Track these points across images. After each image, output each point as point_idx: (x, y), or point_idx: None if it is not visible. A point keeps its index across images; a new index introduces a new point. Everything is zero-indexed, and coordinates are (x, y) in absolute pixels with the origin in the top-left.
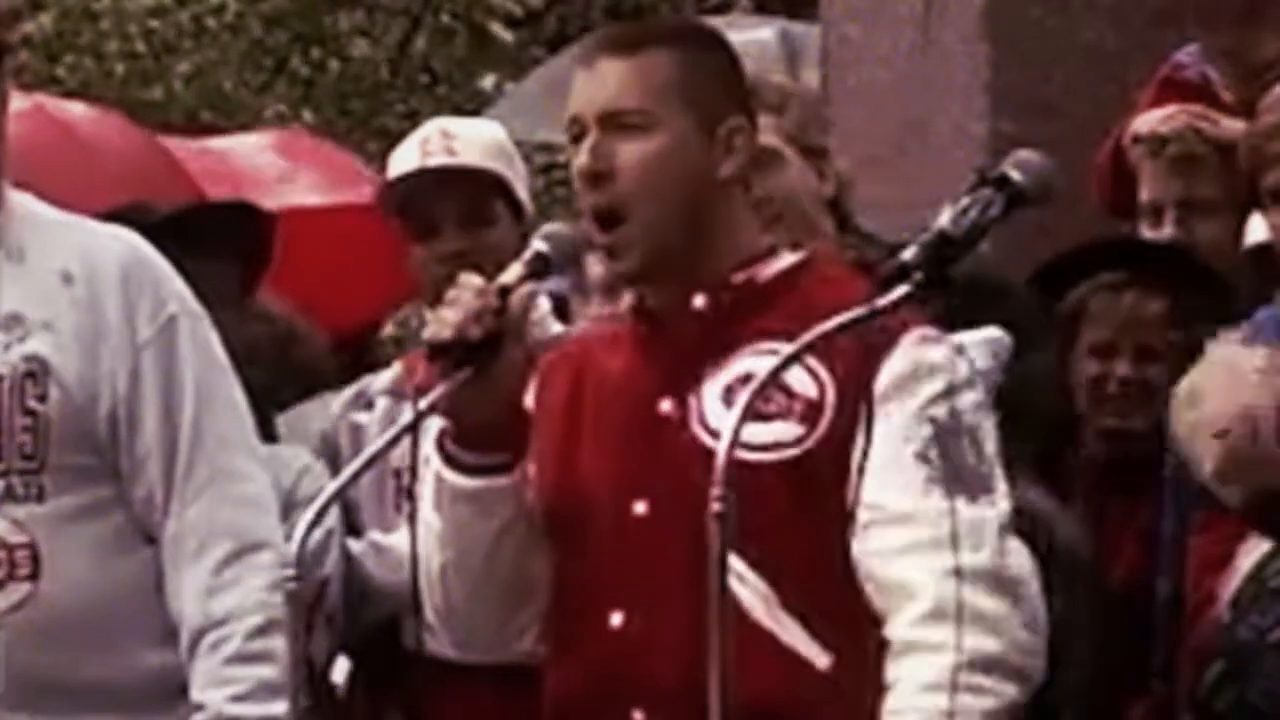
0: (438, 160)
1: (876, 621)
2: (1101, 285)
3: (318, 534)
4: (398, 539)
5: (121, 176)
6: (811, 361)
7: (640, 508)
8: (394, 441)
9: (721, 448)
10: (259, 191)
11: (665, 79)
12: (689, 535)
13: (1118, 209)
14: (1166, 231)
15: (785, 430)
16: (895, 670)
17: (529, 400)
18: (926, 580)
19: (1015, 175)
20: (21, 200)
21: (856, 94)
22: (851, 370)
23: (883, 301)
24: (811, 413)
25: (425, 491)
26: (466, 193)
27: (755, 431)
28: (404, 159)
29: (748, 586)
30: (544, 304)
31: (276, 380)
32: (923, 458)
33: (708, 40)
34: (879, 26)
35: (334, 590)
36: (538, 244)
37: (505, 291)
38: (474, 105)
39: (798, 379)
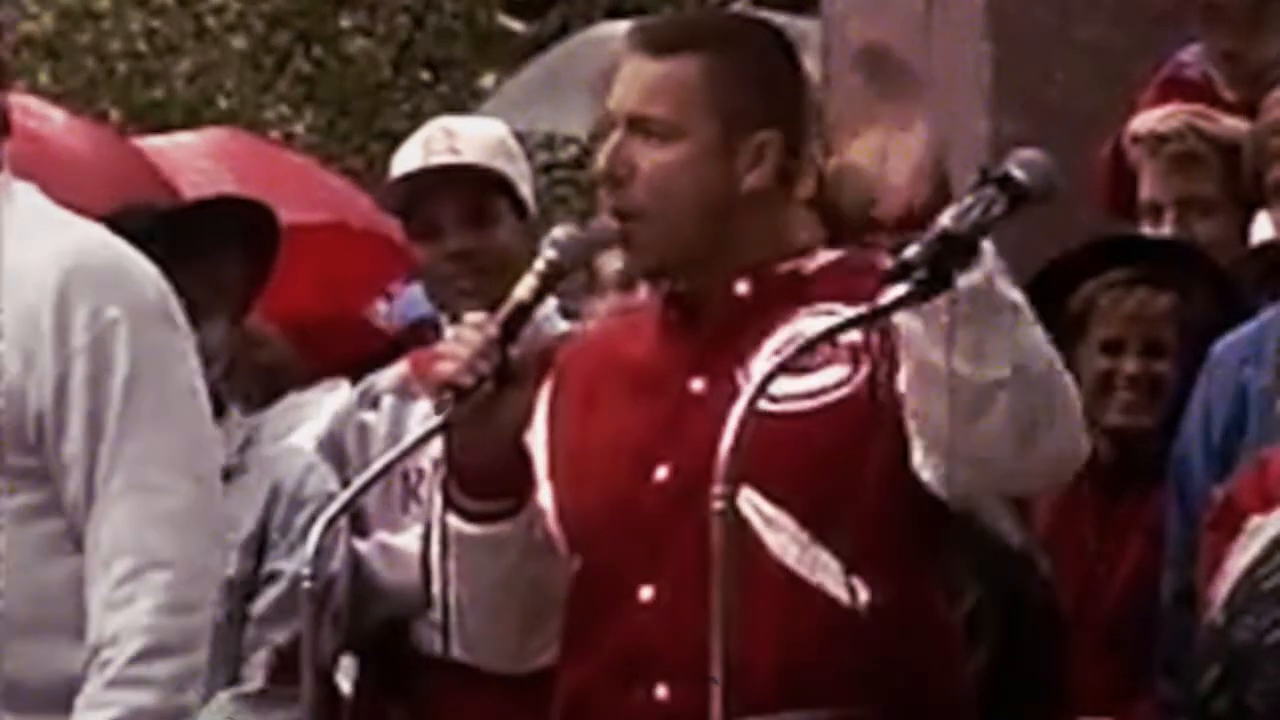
0: (440, 159)
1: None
2: (1109, 282)
3: (316, 533)
4: (406, 540)
5: (100, 183)
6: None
7: (661, 473)
8: (414, 448)
9: (724, 446)
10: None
11: (694, 88)
12: (710, 495)
13: (1118, 208)
14: (1165, 230)
15: (829, 375)
16: None
17: (545, 393)
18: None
19: (1018, 174)
20: None
21: (859, 92)
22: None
23: (884, 300)
24: (854, 353)
25: (434, 525)
26: (469, 192)
27: (799, 384)
28: (407, 159)
29: (775, 529)
30: (550, 301)
31: (237, 382)
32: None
33: (748, 42)
34: (880, 25)
35: (340, 589)
36: (549, 252)
37: (523, 308)
38: (476, 104)
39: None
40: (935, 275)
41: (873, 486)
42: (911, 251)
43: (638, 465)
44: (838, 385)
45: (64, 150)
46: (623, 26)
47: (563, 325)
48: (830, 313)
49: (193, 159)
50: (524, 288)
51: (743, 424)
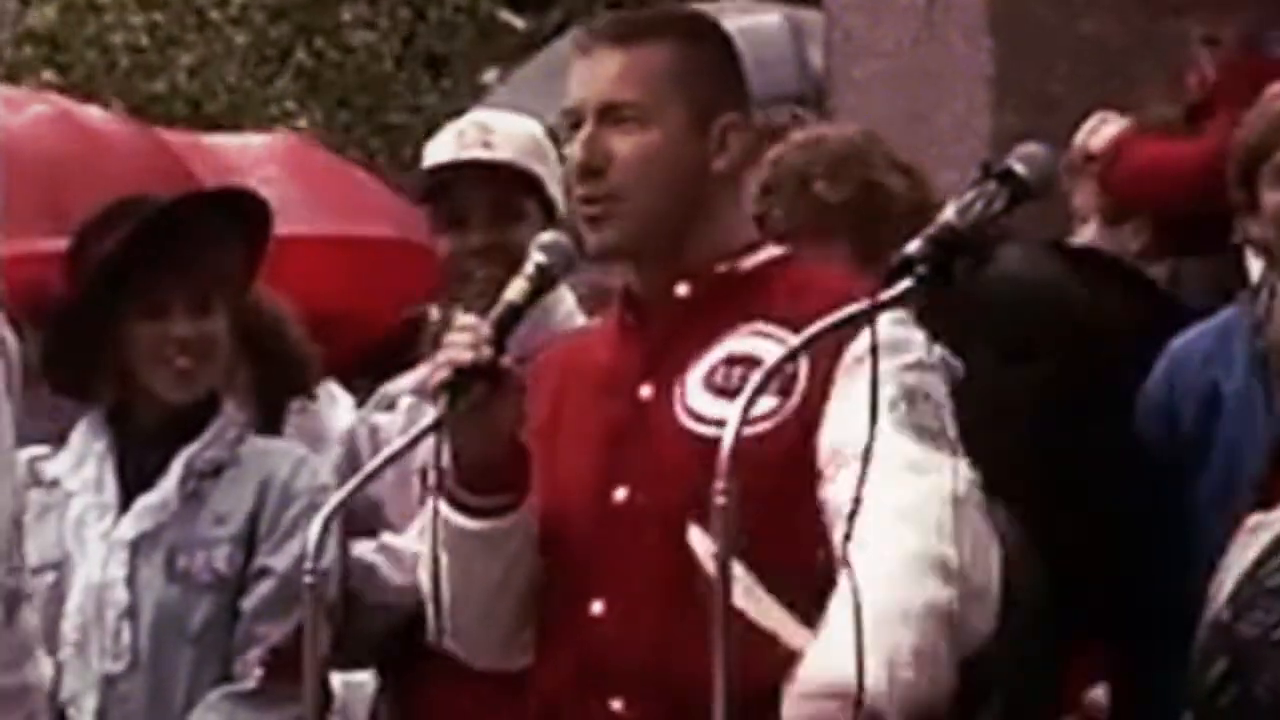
0: (472, 153)
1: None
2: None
3: (315, 529)
4: (407, 540)
5: (142, 182)
6: (785, 334)
7: (620, 494)
8: (411, 445)
9: (726, 441)
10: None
11: (661, 72)
12: (666, 521)
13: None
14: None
15: (760, 404)
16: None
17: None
18: (890, 494)
19: (1019, 168)
20: None
21: (859, 87)
22: (825, 341)
23: (886, 295)
24: (786, 383)
25: (425, 526)
26: (498, 187)
27: (729, 409)
28: (439, 149)
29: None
30: (569, 298)
31: (271, 371)
32: (891, 405)
33: (705, 32)
34: (882, 20)
35: (332, 584)
36: (537, 256)
37: (515, 310)
38: (478, 98)
39: (771, 353)
40: (936, 271)
41: (801, 519)
42: (913, 247)
43: (599, 483)
44: (769, 415)
45: (112, 142)
46: None
47: (580, 319)
48: (757, 333)
49: (257, 164)
50: (514, 290)
51: (739, 429)
